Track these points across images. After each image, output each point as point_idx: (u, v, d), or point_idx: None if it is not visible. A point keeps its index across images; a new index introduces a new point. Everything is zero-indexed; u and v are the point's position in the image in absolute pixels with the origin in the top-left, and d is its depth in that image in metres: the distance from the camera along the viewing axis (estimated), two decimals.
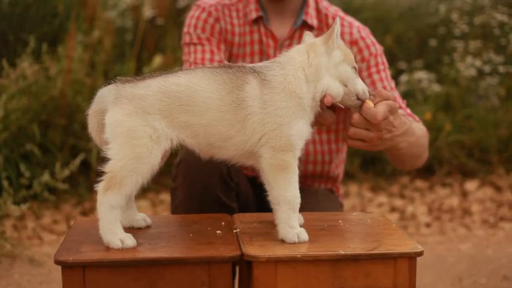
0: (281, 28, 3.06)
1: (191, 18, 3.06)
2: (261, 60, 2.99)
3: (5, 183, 4.45)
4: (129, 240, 2.14)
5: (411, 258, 2.15)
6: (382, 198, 5.61)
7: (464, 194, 5.68)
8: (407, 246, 2.18)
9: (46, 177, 4.62)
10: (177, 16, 6.59)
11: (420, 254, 2.15)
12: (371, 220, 2.50)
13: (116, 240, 2.12)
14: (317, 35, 2.87)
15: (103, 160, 2.17)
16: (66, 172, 4.66)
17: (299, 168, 2.22)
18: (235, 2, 3.09)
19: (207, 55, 2.97)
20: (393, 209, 5.41)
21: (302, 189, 2.28)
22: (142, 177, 2.15)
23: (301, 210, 2.26)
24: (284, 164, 2.18)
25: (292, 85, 2.22)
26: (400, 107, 2.93)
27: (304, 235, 2.19)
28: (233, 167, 2.72)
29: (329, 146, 3.10)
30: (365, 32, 3.06)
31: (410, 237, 2.29)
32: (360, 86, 2.30)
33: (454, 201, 5.55)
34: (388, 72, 3.04)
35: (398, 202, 5.54)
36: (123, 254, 2.09)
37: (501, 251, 4.65)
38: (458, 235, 4.99)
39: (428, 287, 4.06)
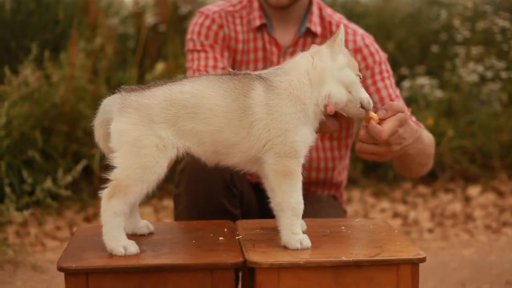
0: (284, 35, 3.06)
1: (194, 25, 3.06)
2: (264, 67, 2.99)
3: (8, 190, 4.46)
4: (132, 247, 2.14)
5: (414, 264, 2.14)
6: (385, 204, 5.61)
7: (467, 200, 5.68)
8: (410, 252, 2.18)
9: (48, 183, 4.61)
10: (179, 23, 6.60)
11: (422, 260, 2.15)
12: (373, 226, 2.49)
13: (119, 247, 2.12)
14: (321, 43, 2.88)
15: (109, 167, 2.17)
16: (69, 178, 4.66)
17: (302, 174, 2.22)
18: (239, 9, 3.09)
19: (211, 62, 2.97)
20: (395, 215, 5.41)
21: (305, 196, 2.28)
22: (147, 186, 2.15)
23: (304, 216, 2.26)
24: (288, 170, 2.18)
25: (296, 91, 2.21)
26: None
27: (307, 242, 2.19)
28: (236, 174, 2.72)
29: (332, 153, 3.10)
30: (369, 39, 3.06)
31: (413, 243, 2.29)
32: (365, 94, 2.28)
33: (457, 206, 5.55)
34: (393, 80, 3.03)
35: (401, 208, 5.54)
36: (126, 261, 2.09)
37: (504, 256, 4.65)
38: (461, 241, 4.99)
39: None
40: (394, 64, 6.30)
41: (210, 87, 2.19)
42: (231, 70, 2.32)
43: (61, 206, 5.13)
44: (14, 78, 5.09)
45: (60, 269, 2.06)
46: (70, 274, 2.06)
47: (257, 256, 2.12)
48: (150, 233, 2.37)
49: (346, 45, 2.96)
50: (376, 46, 3.05)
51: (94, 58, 5.72)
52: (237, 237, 2.32)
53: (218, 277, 2.09)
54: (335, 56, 2.26)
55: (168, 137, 2.16)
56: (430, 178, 5.94)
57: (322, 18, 3.08)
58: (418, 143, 2.67)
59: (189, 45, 3.05)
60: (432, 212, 5.44)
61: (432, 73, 6.51)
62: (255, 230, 2.41)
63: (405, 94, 6.06)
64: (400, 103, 2.95)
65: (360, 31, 3.08)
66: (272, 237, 2.28)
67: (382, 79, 2.98)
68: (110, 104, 2.22)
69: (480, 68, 6.23)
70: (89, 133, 5.04)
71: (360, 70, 2.32)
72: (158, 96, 2.18)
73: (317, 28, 3.04)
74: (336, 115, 2.31)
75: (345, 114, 2.30)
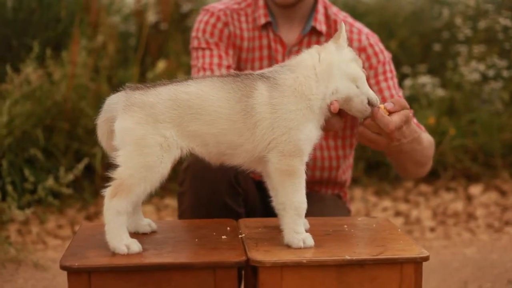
0: (289, 33, 3.06)
1: (199, 23, 3.06)
2: (269, 65, 2.98)
3: (10, 188, 4.46)
4: (135, 246, 2.14)
5: (417, 263, 2.14)
6: (387, 203, 5.61)
7: (469, 199, 5.68)
8: (413, 251, 2.18)
9: (50, 181, 4.62)
10: (180, 21, 6.59)
11: (426, 259, 2.15)
12: (376, 225, 2.49)
13: (122, 245, 2.12)
14: (325, 41, 2.88)
15: (111, 166, 2.16)
16: (70, 176, 4.66)
17: (306, 174, 2.21)
18: (244, 7, 3.08)
19: (215, 60, 2.97)
20: (397, 214, 5.40)
21: (309, 195, 2.28)
22: (150, 185, 2.14)
23: (308, 215, 2.25)
24: (291, 169, 2.17)
25: (302, 87, 2.20)
26: None
27: (310, 241, 2.18)
28: (240, 172, 2.71)
29: (336, 152, 3.10)
30: (374, 39, 3.05)
31: (416, 242, 2.29)
32: (372, 92, 2.27)
33: (459, 205, 5.54)
34: (396, 80, 3.03)
35: (403, 207, 5.54)
36: (128, 260, 2.08)
37: (506, 255, 4.65)
38: (463, 240, 4.99)
39: None
40: (396, 62, 6.26)
41: (214, 89, 2.18)
42: (233, 71, 2.31)
43: (63, 205, 5.13)
44: (15, 76, 5.09)
45: (63, 267, 2.06)
46: (72, 272, 2.05)
47: (260, 255, 2.11)
48: (153, 232, 2.37)
49: (351, 44, 2.95)
50: (381, 45, 3.05)
51: (96, 56, 5.72)
52: (240, 236, 2.32)
53: (221, 276, 2.09)
54: (341, 50, 2.26)
55: (172, 137, 2.15)
56: (432, 177, 5.94)
57: (327, 16, 3.07)
58: (416, 143, 2.66)
59: (194, 43, 3.05)
60: (434, 211, 5.44)
61: (434, 71, 6.51)
62: (258, 228, 2.41)
63: (407, 93, 6.05)
64: None
65: (365, 30, 3.08)
66: (275, 236, 2.28)
67: (386, 80, 2.97)
68: (115, 102, 2.21)
69: (482, 67, 6.22)
70: (91, 131, 5.04)
71: (364, 70, 2.31)
72: (163, 95, 2.17)
73: (322, 27, 3.03)
74: (341, 113, 2.30)
75: (349, 112, 2.29)
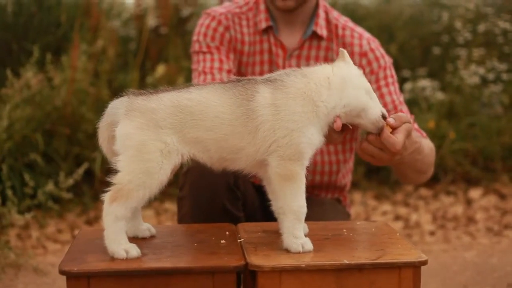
0: (290, 38, 3.06)
1: (200, 26, 3.06)
2: (270, 69, 2.99)
3: (9, 193, 4.46)
4: (134, 250, 2.14)
5: (415, 267, 2.14)
6: (386, 207, 5.61)
7: (468, 202, 5.68)
8: (412, 255, 2.18)
9: (50, 186, 4.62)
10: (180, 26, 6.61)
11: (424, 263, 2.15)
12: (375, 229, 2.49)
13: (121, 250, 2.13)
14: (326, 46, 2.87)
15: (111, 170, 2.17)
16: (70, 181, 4.66)
17: (306, 178, 2.21)
18: (245, 11, 3.09)
19: (216, 64, 2.97)
20: (397, 218, 5.40)
21: (309, 199, 2.28)
22: (150, 191, 2.14)
23: (307, 219, 2.25)
24: (291, 174, 2.17)
25: (311, 92, 2.19)
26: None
27: (309, 245, 2.18)
28: (240, 177, 2.71)
29: (336, 156, 3.10)
30: (375, 44, 3.05)
31: (414, 246, 2.29)
32: (380, 107, 2.27)
33: (459, 209, 5.54)
34: (397, 85, 3.02)
35: (402, 210, 5.54)
36: (128, 264, 2.09)
37: (506, 259, 4.65)
38: (463, 243, 4.98)
39: None
40: (396, 66, 6.26)
41: (216, 96, 2.18)
42: (234, 76, 2.31)
43: (63, 209, 5.13)
44: (15, 81, 5.10)
45: (62, 272, 2.06)
46: (72, 277, 2.06)
47: (259, 259, 2.12)
48: (152, 236, 2.37)
49: (352, 49, 2.97)
50: (382, 50, 3.04)
51: (96, 61, 5.72)
52: (238, 240, 2.32)
53: (219, 280, 2.09)
54: (351, 65, 2.26)
55: (173, 143, 2.16)
56: (431, 181, 5.93)
57: (328, 21, 3.07)
58: (416, 153, 2.66)
59: (195, 47, 3.05)
60: (433, 215, 5.44)
61: (433, 75, 6.52)
62: (257, 233, 2.41)
63: (406, 97, 6.05)
64: (404, 109, 2.94)
65: (366, 35, 3.08)
66: (274, 240, 2.28)
67: (387, 85, 2.97)
68: (117, 106, 2.21)
69: (481, 70, 6.23)
70: (91, 136, 5.05)
71: (365, 75, 2.30)
72: (165, 101, 2.17)
73: (323, 31, 3.03)
74: (343, 128, 2.29)
75: (360, 125, 2.28)
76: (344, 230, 2.45)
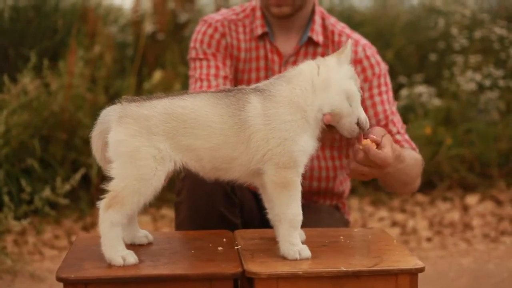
0: (286, 44, 3.06)
1: (197, 33, 3.07)
2: (266, 76, 2.99)
3: (6, 198, 4.45)
4: (131, 257, 2.14)
5: (412, 274, 2.15)
6: (383, 213, 5.61)
7: (465, 209, 5.68)
8: (409, 262, 2.19)
9: (47, 192, 4.61)
10: (177, 31, 6.61)
11: (421, 270, 2.15)
12: (372, 236, 2.50)
13: (118, 257, 2.13)
14: (322, 52, 2.86)
15: (107, 177, 2.17)
16: (67, 187, 4.66)
17: (303, 184, 2.22)
18: (242, 17, 3.09)
19: (212, 71, 2.98)
20: (394, 224, 5.41)
21: (306, 206, 2.28)
22: (144, 198, 2.15)
23: (303, 226, 2.26)
24: (286, 181, 2.18)
25: (298, 98, 2.21)
26: (399, 132, 2.92)
27: (306, 252, 2.19)
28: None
29: (333, 162, 3.10)
30: (371, 51, 3.03)
31: (411, 253, 2.29)
32: (363, 114, 2.27)
33: (455, 215, 5.55)
34: (391, 94, 3.01)
35: (399, 217, 5.54)
36: (124, 271, 2.09)
37: (502, 265, 4.65)
38: (459, 250, 4.99)
39: None
40: (392, 72, 6.27)
41: (208, 105, 2.19)
42: (224, 86, 2.31)
43: (60, 215, 5.13)
44: (13, 87, 5.10)
45: (59, 279, 2.06)
46: (69, 284, 2.06)
47: (256, 266, 2.12)
48: (149, 243, 2.37)
49: None
50: (378, 57, 3.03)
51: (93, 67, 5.72)
52: (236, 247, 2.32)
53: (217, 287, 2.09)
54: (341, 66, 2.26)
55: (166, 150, 2.16)
56: (428, 187, 5.94)
57: (324, 27, 3.07)
58: (398, 162, 2.61)
59: (192, 54, 3.06)
60: (430, 221, 5.44)
61: (430, 81, 6.52)
62: (254, 240, 2.41)
63: (403, 103, 6.06)
64: (395, 119, 2.94)
65: (363, 41, 3.06)
66: (271, 247, 2.28)
67: (380, 94, 2.96)
68: (110, 114, 2.21)
69: (478, 77, 6.24)
70: (88, 142, 4.96)
71: (360, 88, 2.30)
72: (159, 108, 2.18)
73: (319, 38, 3.04)
74: (331, 126, 2.30)
75: (338, 129, 2.29)
76: (341, 237, 2.45)
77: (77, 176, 4.72)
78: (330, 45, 3.04)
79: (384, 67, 3.02)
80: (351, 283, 2.12)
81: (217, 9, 5.84)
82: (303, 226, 2.25)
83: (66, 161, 5.26)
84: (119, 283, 2.06)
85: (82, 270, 2.10)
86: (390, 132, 2.83)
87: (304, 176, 2.23)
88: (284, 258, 2.19)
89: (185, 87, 4.59)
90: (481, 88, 6.32)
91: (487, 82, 6.29)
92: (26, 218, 4.51)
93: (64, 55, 5.68)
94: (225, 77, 2.97)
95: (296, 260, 2.17)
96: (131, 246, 2.30)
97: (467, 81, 6.20)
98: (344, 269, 2.11)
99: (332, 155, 3.10)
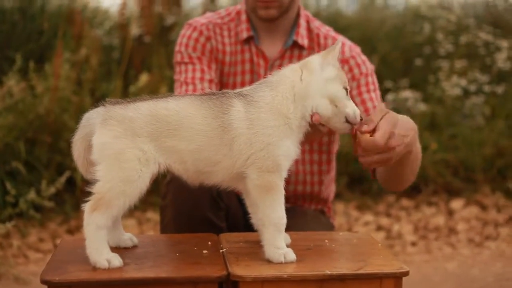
0: (272, 47, 3.07)
1: (182, 37, 3.07)
2: (252, 79, 3.00)
3: None
4: (116, 260, 2.13)
5: (397, 278, 2.15)
6: (369, 217, 5.62)
7: (450, 213, 5.70)
8: (393, 266, 2.19)
9: (31, 194, 4.60)
10: (164, 34, 6.61)
11: (405, 274, 2.16)
12: (357, 240, 2.50)
13: (103, 260, 2.12)
14: (307, 55, 2.86)
15: (92, 180, 2.16)
16: (52, 189, 4.65)
17: (289, 188, 2.22)
18: (227, 21, 3.10)
19: (198, 74, 2.98)
20: (379, 228, 5.42)
21: (292, 210, 2.28)
22: (129, 200, 2.14)
23: (288, 230, 2.26)
24: (270, 185, 2.18)
25: (280, 105, 2.21)
26: None
27: (291, 255, 2.19)
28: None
29: (319, 167, 3.10)
30: (356, 50, 3.06)
31: (396, 257, 2.30)
32: (351, 109, 2.24)
33: (440, 220, 5.56)
34: (378, 93, 3.01)
35: (384, 221, 5.55)
36: (109, 274, 2.08)
37: (486, 270, 4.67)
38: (444, 254, 5.01)
39: None
40: (378, 77, 6.28)
41: (192, 106, 2.19)
42: (208, 90, 2.30)
43: (44, 218, 5.11)
44: None
45: (44, 282, 2.05)
46: (53, 287, 2.05)
47: (241, 270, 2.12)
48: (134, 246, 2.36)
49: None
50: (363, 57, 3.05)
51: (79, 69, 5.71)
52: (221, 251, 2.32)
53: None
54: (325, 67, 2.25)
55: (150, 151, 2.16)
56: (413, 192, 5.96)
57: (309, 30, 3.08)
58: (415, 140, 2.52)
59: (177, 57, 3.06)
60: (415, 225, 5.46)
61: (415, 86, 6.55)
62: (239, 243, 2.41)
63: (388, 108, 6.06)
64: None
65: (348, 42, 3.09)
66: (256, 251, 2.28)
67: (368, 91, 2.98)
68: (93, 117, 2.21)
69: (463, 82, 6.27)
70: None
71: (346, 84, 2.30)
72: (143, 110, 2.18)
73: (304, 41, 3.04)
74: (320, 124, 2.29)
75: (329, 127, 2.29)
76: (326, 241, 2.46)
77: (62, 179, 4.71)
78: (316, 48, 3.05)
79: (370, 66, 3.04)
80: (336, 286, 2.12)
81: (204, 12, 5.84)
82: (288, 229, 2.26)
83: (51, 164, 5.24)
84: (104, 286, 2.06)
85: (67, 273, 2.09)
86: None
87: (289, 181, 2.23)
88: (269, 261, 2.19)
89: (171, 90, 4.59)
90: (466, 93, 6.35)
91: (472, 87, 6.32)
92: (10, 221, 4.50)
93: (50, 57, 5.66)
94: (210, 81, 2.97)
95: (281, 263, 2.17)
96: (116, 249, 2.29)
97: (453, 86, 6.23)
98: (329, 273, 2.11)
99: (320, 159, 3.10)
